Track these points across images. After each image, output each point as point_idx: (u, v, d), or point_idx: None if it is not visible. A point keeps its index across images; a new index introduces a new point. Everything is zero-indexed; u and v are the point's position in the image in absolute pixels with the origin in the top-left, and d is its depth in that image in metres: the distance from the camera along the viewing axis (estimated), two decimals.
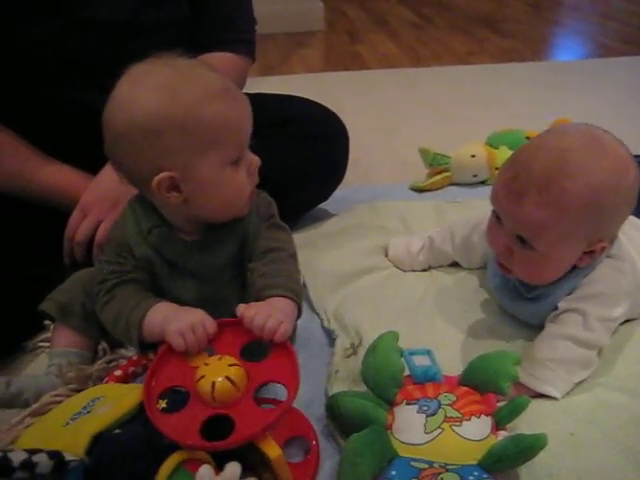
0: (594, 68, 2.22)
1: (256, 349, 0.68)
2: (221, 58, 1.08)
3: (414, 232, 1.13)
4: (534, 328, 0.85)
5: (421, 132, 1.69)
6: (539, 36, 2.78)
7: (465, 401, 0.70)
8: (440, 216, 1.20)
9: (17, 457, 0.56)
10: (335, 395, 0.74)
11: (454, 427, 0.67)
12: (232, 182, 0.73)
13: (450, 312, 0.93)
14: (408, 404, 0.71)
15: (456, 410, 0.68)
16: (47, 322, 0.88)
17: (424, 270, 1.04)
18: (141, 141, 0.68)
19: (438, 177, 1.36)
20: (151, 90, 0.68)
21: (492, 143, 1.38)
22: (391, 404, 0.72)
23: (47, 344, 0.88)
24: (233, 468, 0.58)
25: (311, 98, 1.23)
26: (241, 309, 0.68)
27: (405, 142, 1.61)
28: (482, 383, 0.72)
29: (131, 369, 0.81)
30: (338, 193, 1.22)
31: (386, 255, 1.07)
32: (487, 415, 0.68)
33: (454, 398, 0.70)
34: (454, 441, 0.66)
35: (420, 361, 0.75)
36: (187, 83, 0.69)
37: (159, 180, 0.69)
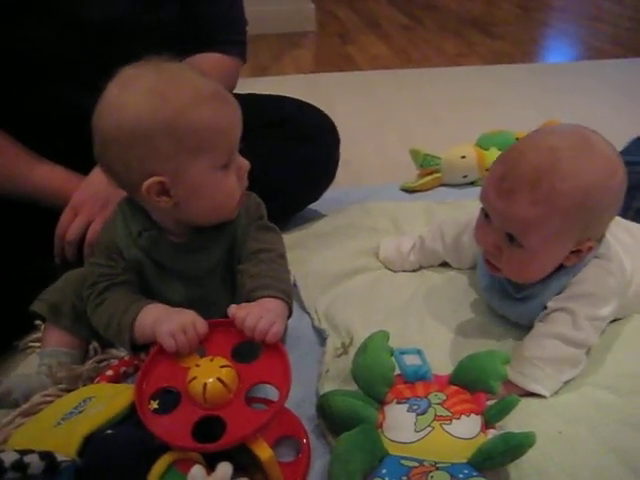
0: (584, 70, 2.23)
1: (247, 350, 0.68)
2: (212, 59, 1.08)
3: (405, 233, 1.13)
4: (524, 328, 0.86)
5: (412, 133, 1.70)
6: (529, 38, 2.79)
7: (455, 400, 0.70)
8: (430, 217, 1.20)
9: (8, 458, 0.56)
10: (326, 394, 0.74)
11: (444, 426, 0.67)
12: (222, 186, 0.73)
13: (440, 312, 0.93)
14: (398, 403, 0.71)
15: (446, 409, 0.69)
16: (38, 322, 0.88)
17: (414, 270, 1.05)
18: (130, 146, 0.67)
19: (428, 178, 1.36)
20: (141, 94, 0.67)
21: (482, 144, 1.38)
22: (381, 403, 0.72)
23: (38, 344, 0.88)
24: (224, 468, 0.58)
25: (302, 99, 1.24)
26: (233, 310, 0.68)
27: (395, 143, 1.62)
28: (472, 382, 0.72)
29: (122, 369, 0.81)
30: (329, 194, 1.22)
31: (377, 256, 1.08)
32: (477, 414, 0.69)
33: (444, 397, 0.71)
34: (444, 439, 0.66)
35: (410, 360, 0.76)
36: (177, 87, 0.68)
37: (149, 185, 0.69)
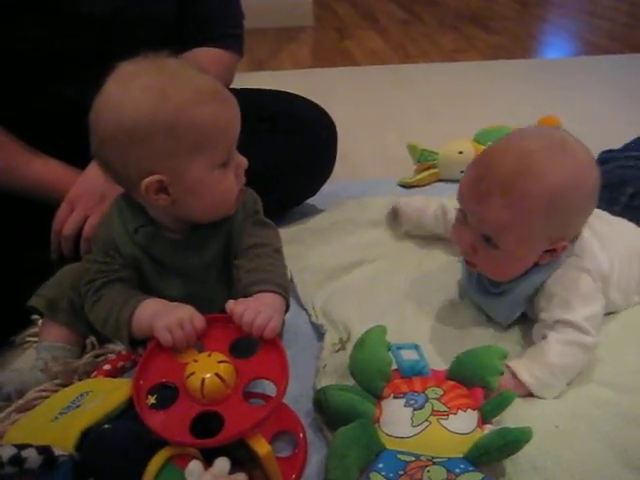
0: (581, 65, 2.23)
1: (245, 345, 0.68)
2: (209, 54, 1.08)
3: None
4: (521, 324, 0.86)
5: (409, 128, 1.69)
6: (527, 33, 2.79)
7: (452, 395, 0.71)
8: None
9: (6, 452, 0.56)
10: (323, 389, 0.74)
11: (441, 420, 0.67)
12: (220, 184, 0.72)
13: (438, 307, 0.94)
14: (395, 398, 0.71)
15: (443, 404, 0.69)
16: (35, 317, 0.88)
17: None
18: (129, 144, 0.67)
19: (426, 173, 1.36)
20: (140, 92, 0.66)
21: (479, 140, 1.38)
22: (379, 398, 0.72)
23: (35, 339, 0.88)
24: (222, 463, 0.58)
25: (299, 93, 1.23)
26: (230, 305, 0.68)
27: (393, 138, 1.62)
28: (469, 377, 0.72)
29: (120, 364, 0.81)
30: (326, 188, 1.23)
31: (394, 215, 1.11)
32: (473, 409, 0.69)
33: (441, 392, 0.71)
34: (441, 434, 0.66)
35: (408, 355, 0.76)
36: (177, 85, 0.68)
37: (147, 183, 0.68)
